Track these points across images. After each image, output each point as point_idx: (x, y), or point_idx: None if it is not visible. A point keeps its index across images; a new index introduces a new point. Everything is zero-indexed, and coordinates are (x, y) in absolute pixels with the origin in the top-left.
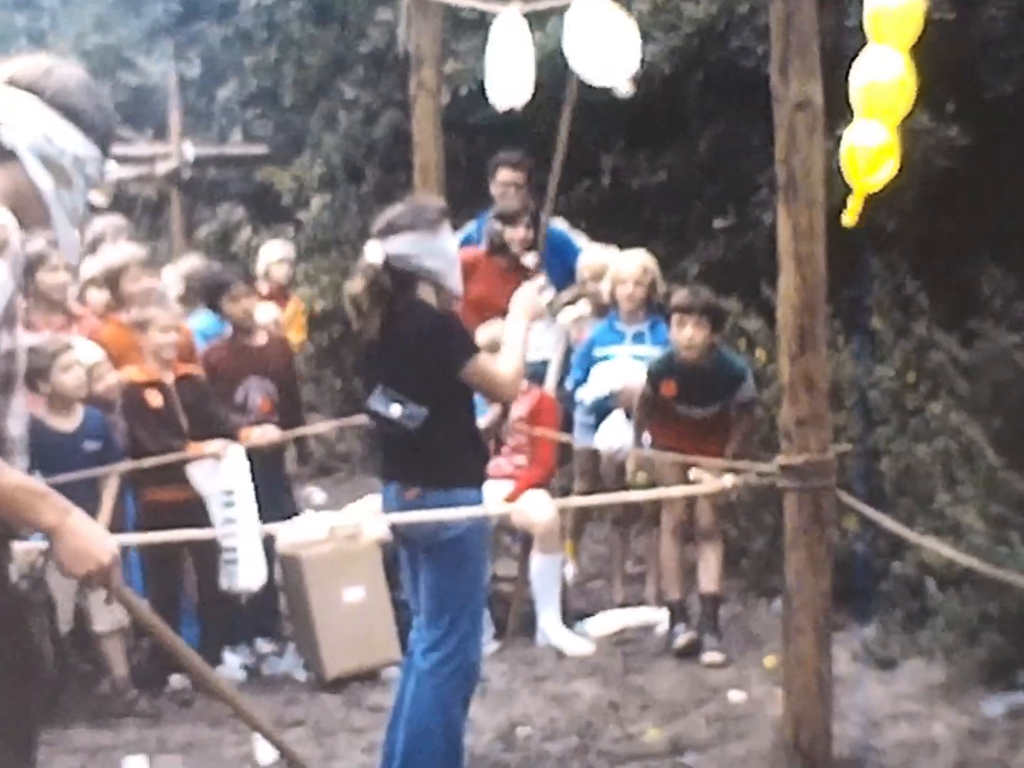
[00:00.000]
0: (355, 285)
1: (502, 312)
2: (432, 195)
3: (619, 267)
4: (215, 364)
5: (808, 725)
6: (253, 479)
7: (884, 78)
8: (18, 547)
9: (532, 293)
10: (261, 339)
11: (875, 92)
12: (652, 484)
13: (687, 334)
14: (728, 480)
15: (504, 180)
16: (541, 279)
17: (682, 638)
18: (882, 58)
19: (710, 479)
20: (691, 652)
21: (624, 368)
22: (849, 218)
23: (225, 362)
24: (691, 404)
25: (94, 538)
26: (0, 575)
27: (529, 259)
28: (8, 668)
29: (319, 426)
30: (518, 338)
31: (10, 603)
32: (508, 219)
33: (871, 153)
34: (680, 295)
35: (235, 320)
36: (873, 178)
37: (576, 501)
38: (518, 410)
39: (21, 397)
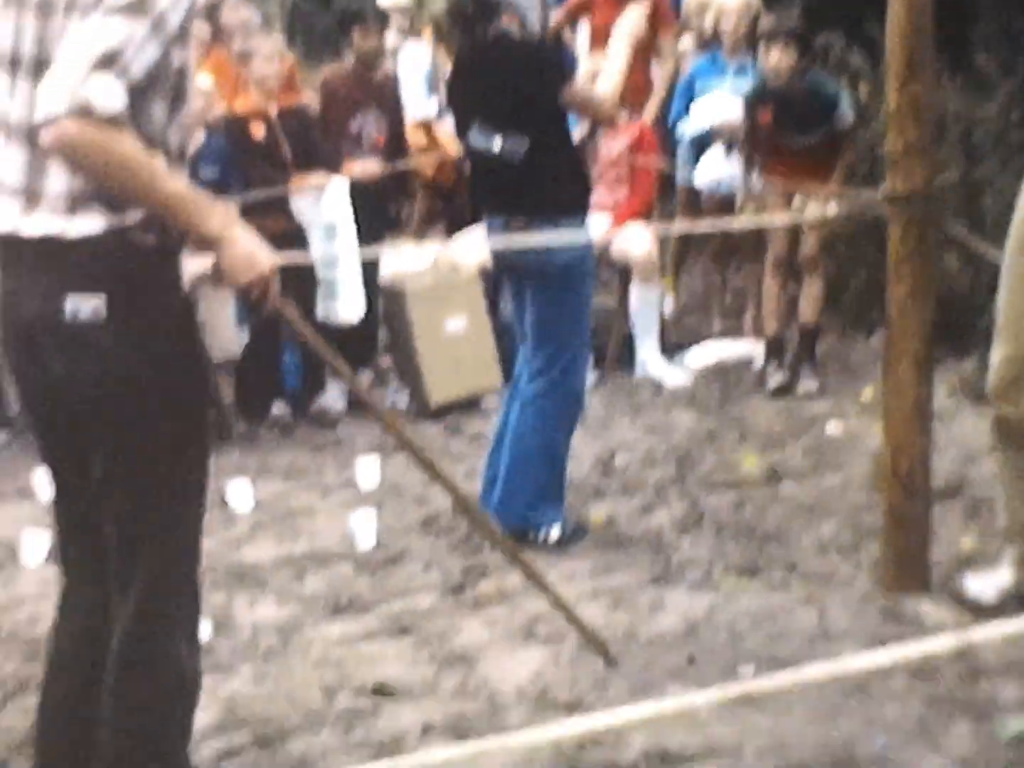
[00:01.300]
0: (439, 5)
1: None
2: None
3: (723, 1)
4: (334, 91)
5: (907, 453)
6: (356, 212)
7: None
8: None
9: (636, 17)
10: (381, 75)
11: None
12: None
13: (774, 59)
14: (832, 209)
15: None
16: (646, 4)
17: (774, 379)
18: None
19: (814, 208)
20: (785, 392)
21: (725, 102)
22: None
23: (345, 91)
24: (790, 132)
25: (256, 249)
26: (175, 282)
27: None
28: (188, 375)
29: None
30: (619, 59)
31: (187, 310)
32: None
33: None
34: (767, 21)
35: (362, 52)
36: None
37: (676, 228)
38: (620, 142)
39: (184, 111)
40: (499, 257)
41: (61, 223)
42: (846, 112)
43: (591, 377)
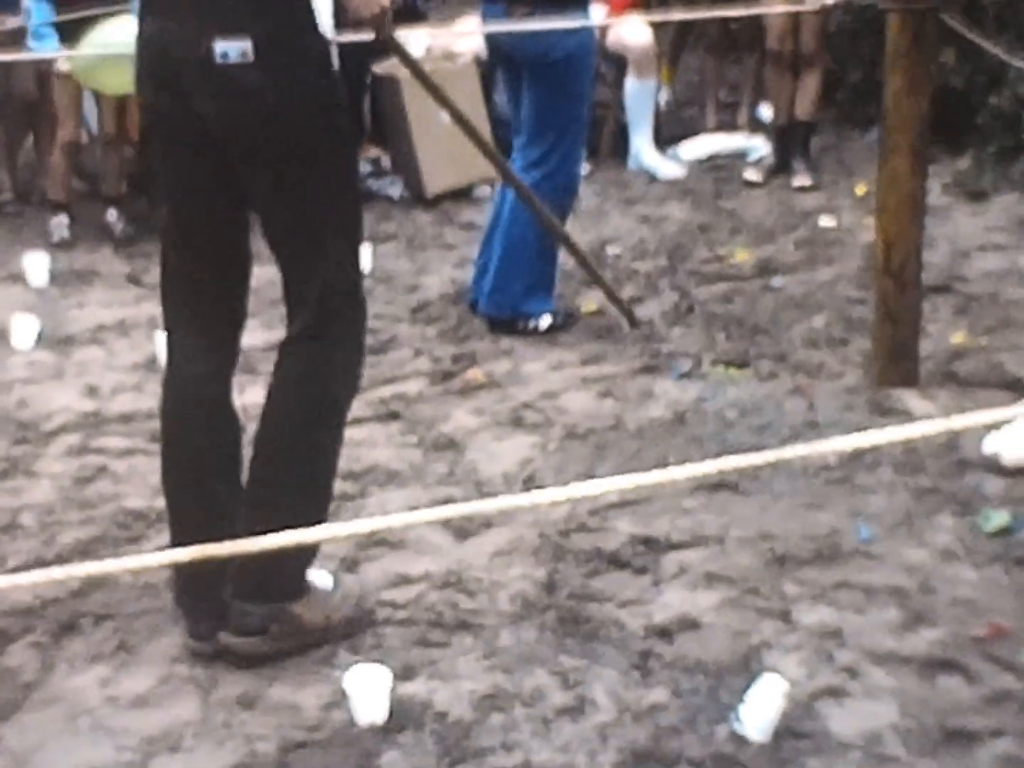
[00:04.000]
0: None
1: None
2: None
3: None
4: None
5: (899, 247)
6: None
7: None
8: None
9: None
10: None
11: None
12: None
13: None
14: None
15: None
16: None
17: (756, 170)
18: None
19: None
20: (776, 175)
21: None
22: None
23: None
24: None
25: None
26: (314, 26)
27: None
28: (329, 108)
29: None
30: None
31: (324, 50)
32: None
33: None
34: None
35: None
36: None
37: (673, 16)
38: None
39: None
40: (496, 46)
41: None
42: None
43: (584, 168)
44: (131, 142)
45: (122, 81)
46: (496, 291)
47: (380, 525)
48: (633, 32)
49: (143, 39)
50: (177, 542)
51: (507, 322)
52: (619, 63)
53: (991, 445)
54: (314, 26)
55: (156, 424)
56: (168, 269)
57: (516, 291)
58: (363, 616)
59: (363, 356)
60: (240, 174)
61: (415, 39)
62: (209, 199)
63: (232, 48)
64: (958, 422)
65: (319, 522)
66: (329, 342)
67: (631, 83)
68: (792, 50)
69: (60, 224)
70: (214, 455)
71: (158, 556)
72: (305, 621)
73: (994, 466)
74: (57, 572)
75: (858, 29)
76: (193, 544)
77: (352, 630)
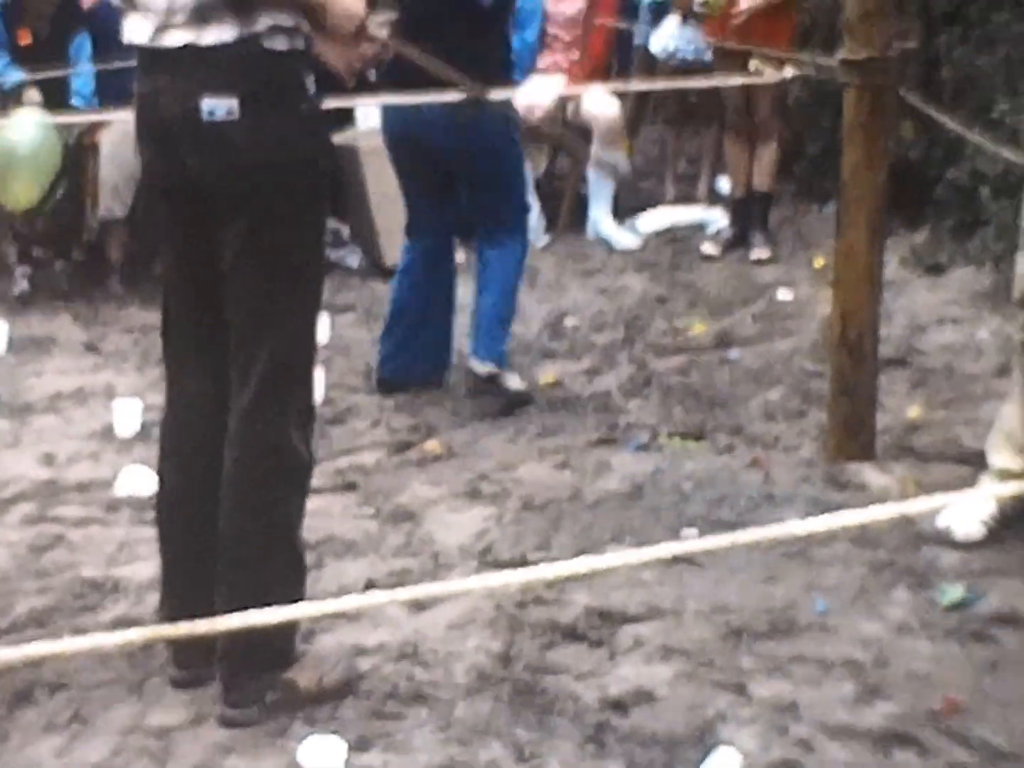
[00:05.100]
0: None
1: None
2: None
3: None
4: None
5: (856, 321)
6: None
7: None
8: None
9: None
10: None
11: None
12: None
13: None
14: (789, 71)
15: None
16: None
17: (713, 244)
18: None
19: (771, 72)
20: (733, 248)
21: None
22: None
23: None
24: None
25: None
26: (302, 84)
27: None
28: (312, 169)
29: None
30: None
31: (312, 110)
32: None
33: None
34: None
35: None
36: None
37: (632, 86)
38: (577, 3)
39: None
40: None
41: (195, 33)
42: None
43: (543, 240)
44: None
45: (20, 196)
46: (485, 351)
47: (336, 608)
48: (600, 103)
49: (138, 97)
50: (168, 582)
51: (494, 378)
52: (584, 132)
53: (944, 519)
54: (303, 87)
55: (112, 493)
56: (168, 316)
57: (500, 349)
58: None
59: (314, 418)
60: (218, 227)
61: (373, 109)
62: (201, 250)
63: (219, 106)
64: (913, 506)
65: (299, 585)
66: (279, 410)
67: (597, 153)
68: (749, 122)
69: (24, 273)
70: (212, 503)
71: (113, 637)
72: (300, 687)
73: (949, 540)
74: (13, 652)
75: (816, 103)
76: (187, 592)
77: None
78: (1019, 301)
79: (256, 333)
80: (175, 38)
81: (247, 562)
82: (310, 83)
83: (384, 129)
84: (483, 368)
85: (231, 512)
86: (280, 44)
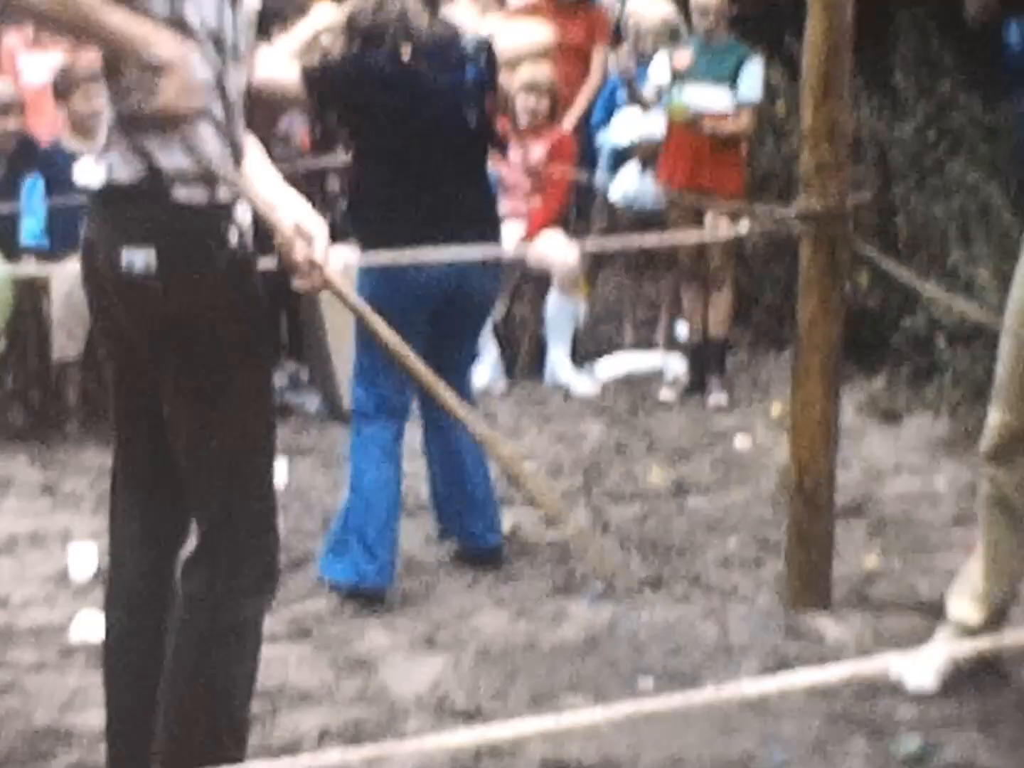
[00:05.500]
0: None
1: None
2: None
3: (640, 15)
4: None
5: (812, 469)
6: None
7: None
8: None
9: None
10: None
11: None
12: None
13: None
14: (744, 227)
15: None
16: None
17: (671, 390)
18: None
19: (727, 226)
20: (691, 394)
21: (646, 118)
22: None
23: None
24: (699, 81)
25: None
26: (223, 237)
27: None
28: (240, 323)
29: None
30: None
31: (235, 263)
32: None
33: None
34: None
35: None
36: None
37: (594, 242)
38: (538, 150)
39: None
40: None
41: (104, 167)
42: (757, 83)
43: (500, 385)
44: None
45: None
46: (488, 523)
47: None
48: (559, 250)
49: (81, 241)
50: (113, 733)
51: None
52: (538, 281)
53: (897, 669)
54: (223, 239)
55: (67, 638)
56: (116, 457)
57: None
58: None
59: (274, 578)
60: (155, 374)
61: (337, 252)
62: (145, 395)
63: (137, 256)
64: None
65: (236, 751)
66: (232, 563)
67: (554, 299)
68: (704, 269)
69: None
70: (161, 650)
71: None
72: None
73: (905, 691)
74: None
75: (772, 250)
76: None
77: None
78: (986, 454)
79: (201, 481)
80: (98, 176)
81: (180, 731)
82: (232, 236)
83: (389, 288)
84: (496, 542)
85: (170, 672)
86: (198, 195)
